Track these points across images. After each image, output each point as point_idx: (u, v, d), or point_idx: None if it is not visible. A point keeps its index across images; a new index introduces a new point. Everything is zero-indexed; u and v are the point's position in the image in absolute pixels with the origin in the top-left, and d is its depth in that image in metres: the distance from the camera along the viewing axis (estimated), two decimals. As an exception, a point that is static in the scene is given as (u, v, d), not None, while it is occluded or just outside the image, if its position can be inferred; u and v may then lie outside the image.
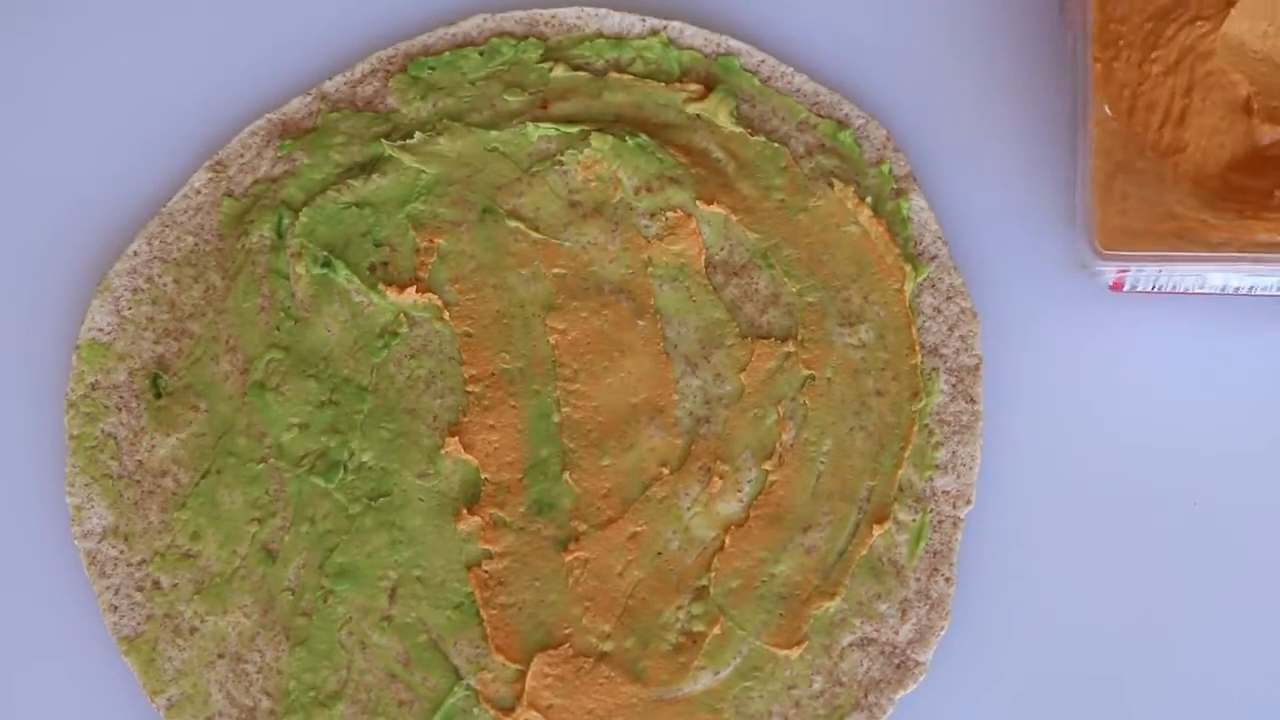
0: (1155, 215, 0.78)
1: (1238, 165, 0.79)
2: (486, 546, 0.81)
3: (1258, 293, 0.82)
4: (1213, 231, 0.78)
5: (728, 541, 0.81)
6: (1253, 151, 0.80)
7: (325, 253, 0.83)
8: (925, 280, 0.84)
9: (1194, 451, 0.82)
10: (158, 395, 0.82)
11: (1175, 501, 0.82)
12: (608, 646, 0.80)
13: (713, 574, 0.80)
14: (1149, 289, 0.82)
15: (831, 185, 0.84)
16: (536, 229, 0.84)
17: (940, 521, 0.81)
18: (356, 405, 0.82)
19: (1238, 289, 0.82)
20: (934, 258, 0.84)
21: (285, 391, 0.82)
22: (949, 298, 0.83)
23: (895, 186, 0.85)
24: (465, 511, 0.81)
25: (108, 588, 0.81)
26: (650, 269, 0.84)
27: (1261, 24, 0.81)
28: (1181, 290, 0.82)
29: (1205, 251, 0.78)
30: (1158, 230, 0.78)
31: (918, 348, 0.83)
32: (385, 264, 0.83)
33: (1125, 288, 0.82)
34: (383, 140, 0.84)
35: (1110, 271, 0.80)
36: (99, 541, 0.81)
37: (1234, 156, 0.80)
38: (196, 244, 0.84)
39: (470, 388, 0.82)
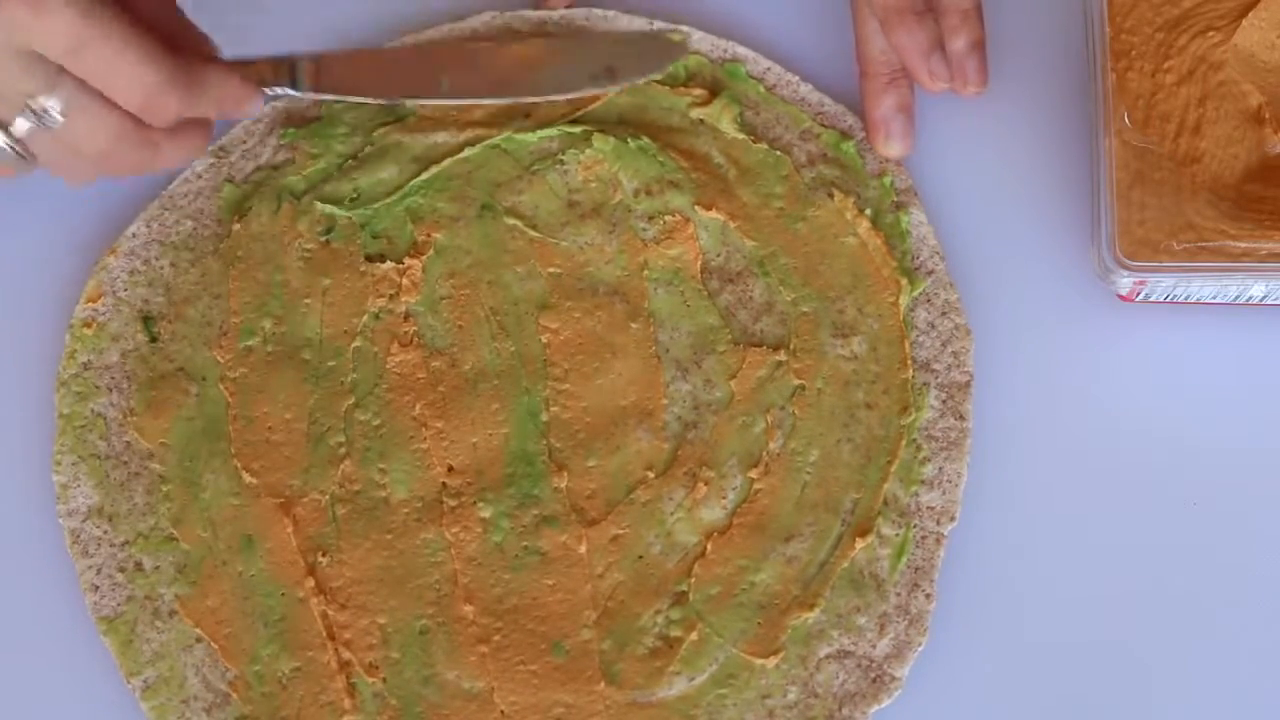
0: (1175, 226, 0.78)
1: (1252, 175, 0.80)
2: (468, 541, 0.80)
3: (1269, 302, 0.81)
4: (1232, 242, 0.78)
5: (709, 548, 0.80)
6: (1265, 161, 0.80)
7: (329, 212, 0.83)
8: (921, 295, 0.83)
9: (1201, 468, 0.82)
10: (152, 339, 0.82)
11: (1177, 523, 0.81)
12: (584, 648, 0.80)
13: (693, 580, 0.80)
14: (1161, 299, 0.82)
15: (831, 196, 0.84)
16: (534, 227, 0.84)
17: (923, 537, 0.81)
18: (343, 396, 0.82)
19: (1251, 298, 0.81)
20: (931, 272, 0.83)
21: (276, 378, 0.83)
22: (944, 313, 0.83)
23: (896, 199, 0.84)
24: (448, 506, 0.81)
25: (89, 567, 0.81)
26: (646, 272, 0.83)
27: (1270, 35, 0.81)
28: (1194, 300, 0.81)
29: (1227, 263, 0.78)
30: (1178, 241, 0.78)
31: (910, 362, 0.82)
32: (382, 256, 0.84)
33: (1137, 298, 0.82)
34: (382, 129, 0.85)
35: (1129, 282, 0.80)
36: (83, 520, 0.81)
37: (1248, 167, 0.80)
38: (195, 228, 0.84)
39: (459, 383, 0.82)
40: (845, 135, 0.85)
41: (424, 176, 0.84)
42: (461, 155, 0.84)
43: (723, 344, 0.83)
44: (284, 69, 0.78)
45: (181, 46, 0.74)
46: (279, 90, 0.78)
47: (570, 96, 0.83)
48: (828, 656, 0.80)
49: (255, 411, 0.82)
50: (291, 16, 0.87)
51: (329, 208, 0.84)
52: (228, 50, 0.78)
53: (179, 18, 0.77)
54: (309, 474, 0.81)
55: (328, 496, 0.81)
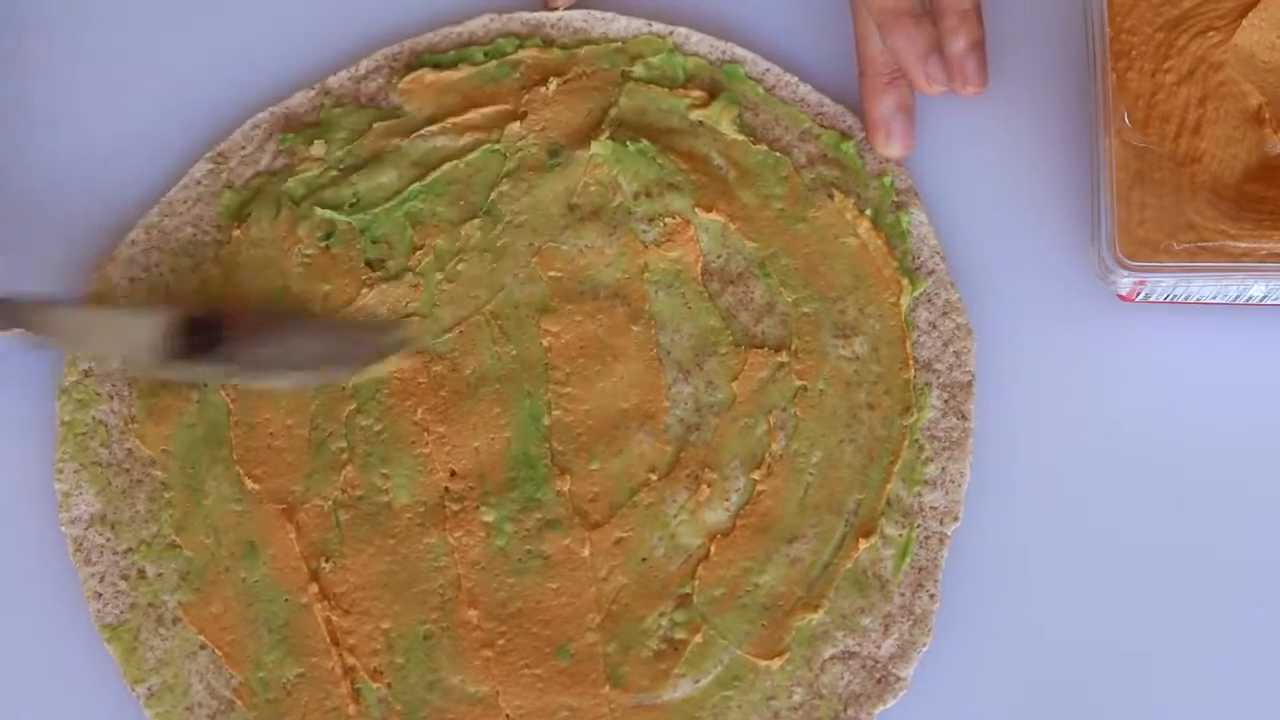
0: (1175, 226, 0.79)
1: (1252, 175, 0.80)
2: (471, 546, 0.80)
3: (1269, 302, 0.82)
4: (1232, 242, 0.78)
5: (713, 550, 0.81)
6: (1265, 161, 0.80)
7: (329, 217, 0.83)
8: (922, 295, 0.83)
9: (1201, 467, 0.82)
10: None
11: (1178, 522, 0.82)
12: (589, 651, 0.80)
13: (697, 582, 0.80)
14: (1162, 299, 0.82)
15: (832, 196, 0.84)
16: (534, 230, 0.84)
17: (927, 537, 0.81)
18: (344, 402, 0.82)
19: (1251, 298, 0.81)
20: (931, 272, 0.83)
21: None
22: (945, 313, 0.83)
23: (896, 199, 0.84)
24: (450, 511, 0.81)
25: (92, 575, 0.81)
26: (646, 274, 0.83)
27: (1270, 35, 0.81)
28: (1194, 300, 0.82)
29: (1227, 263, 0.78)
30: (1178, 241, 0.78)
31: (911, 362, 0.82)
32: (382, 260, 0.84)
33: (1137, 298, 0.82)
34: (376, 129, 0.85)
35: (1129, 282, 0.80)
36: (86, 528, 0.81)
37: (1248, 167, 0.80)
38: (195, 234, 0.84)
39: (460, 387, 0.82)
40: (845, 136, 0.85)
41: (423, 181, 0.84)
42: (461, 159, 0.84)
43: (724, 346, 0.83)
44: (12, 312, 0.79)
45: None
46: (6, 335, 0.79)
47: (272, 380, 0.81)
48: (832, 657, 0.80)
49: (257, 418, 0.82)
50: (294, 16, 0.87)
51: (328, 213, 0.84)
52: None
53: None
54: (311, 480, 0.81)
55: (330, 502, 0.81)
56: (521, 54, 0.86)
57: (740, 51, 0.86)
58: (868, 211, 0.84)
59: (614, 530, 0.81)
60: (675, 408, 0.82)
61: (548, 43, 0.86)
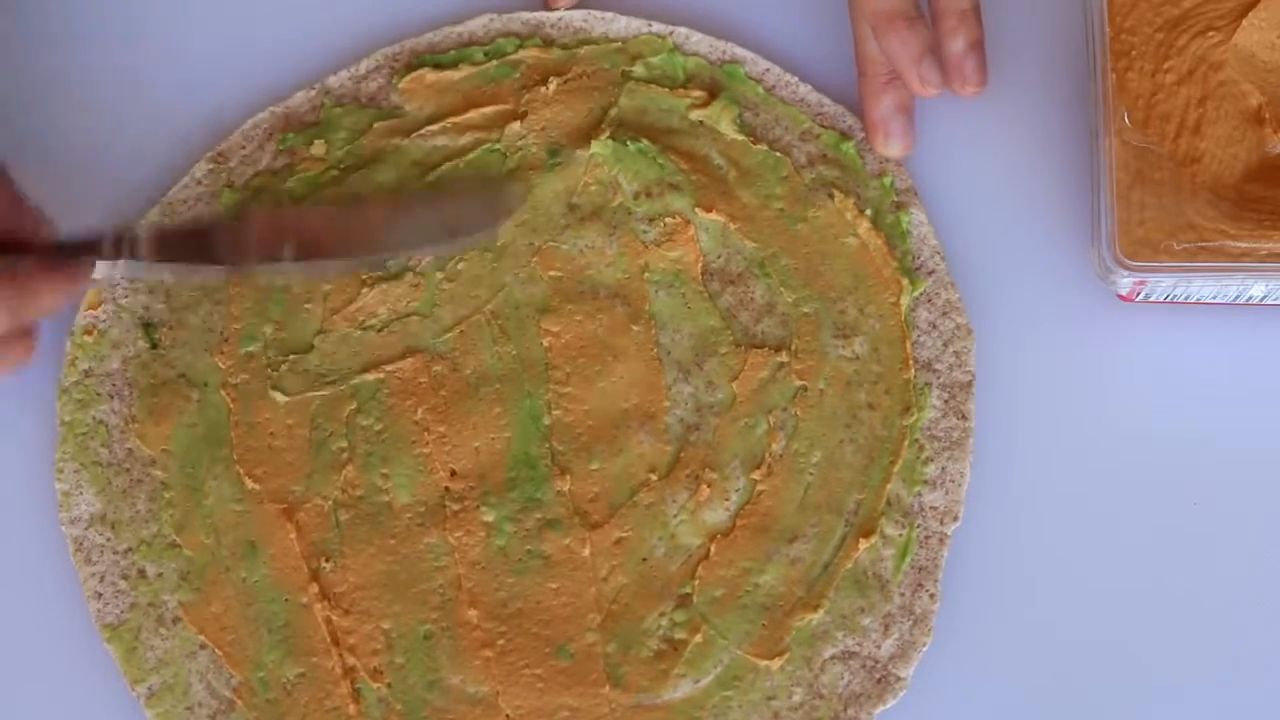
0: (1175, 226, 0.79)
1: (1252, 175, 0.80)
2: (471, 545, 0.81)
3: (1269, 302, 0.82)
4: (1232, 242, 0.78)
5: (713, 550, 0.81)
6: (1265, 161, 0.80)
7: None
8: (922, 295, 0.83)
9: (1202, 467, 0.82)
10: (153, 346, 0.82)
11: (1178, 522, 0.82)
12: (589, 651, 0.80)
13: (697, 582, 0.80)
14: (1162, 299, 0.82)
15: (832, 196, 0.84)
16: (534, 230, 0.84)
17: (927, 537, 0.81)
18: (345, 401, 0.82)
19: (1251, 298, 0.81)
20: (931, 272, 0.83)
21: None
22: (945, 313, 0.83)
23: (896, 199, 0.84)
24: (451, 511, 0.81)
25: (93, 575, 0.81)
26: (647, 274, 0.83)
27: (1270, 35, 0.81)
28: (1194, 300, 0.82)
29: (1227, 263, 0.78)
30: (1178, 241, 0.78)
31: (911, 362, 0.82)
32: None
33: (1137, 298, 0.82)
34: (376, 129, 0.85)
35: (1129, 282, 0.80)
36: (86, 528, 0.81)
37: (1248, 167, 0.80)
38: (195, 234, 0.84)
39: (461, 387, 0.82)
40: (845, 136, 0.85)
41: (423, 181, 0.84)
42: (461, 159, 0.84)
43: (724, 346, 0.83)
44: (124, 241, 0.76)
45: (9, 233, 0.74)
46: (118, 261, 0.77)
47: (412, 255, 0.82)
48: (832, 657, 0.80)
49: (257, 417, 0.82)
50: (294, 16, 0.87)
51: None
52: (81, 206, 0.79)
53: (7, 195, 0.76)
54: (311, 479, 0.81)
55: (330, 502, 0.81)
56: (521, 54, 0.86)
57: (740, 51, 0.86)
58: (868, 211, 0.84)
59: (614, 530, 0.81)
60: (675, 408, 0.82)
61: (548, 43, 0.86)
